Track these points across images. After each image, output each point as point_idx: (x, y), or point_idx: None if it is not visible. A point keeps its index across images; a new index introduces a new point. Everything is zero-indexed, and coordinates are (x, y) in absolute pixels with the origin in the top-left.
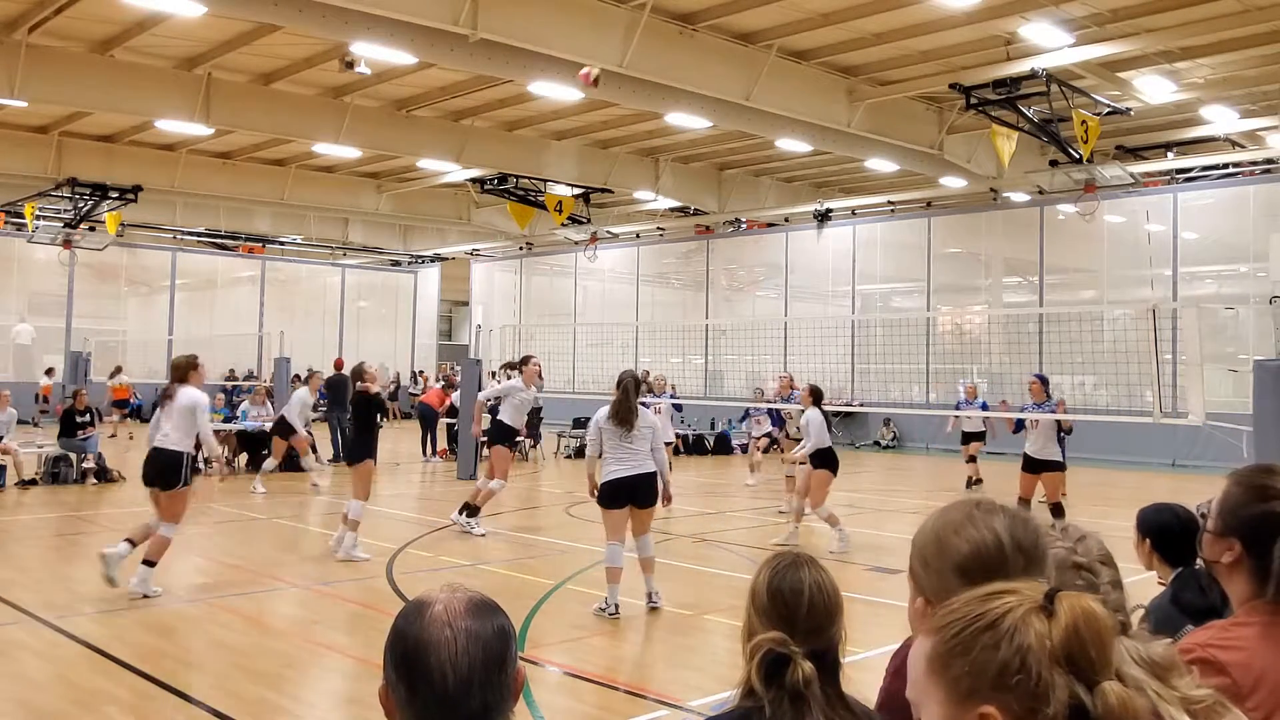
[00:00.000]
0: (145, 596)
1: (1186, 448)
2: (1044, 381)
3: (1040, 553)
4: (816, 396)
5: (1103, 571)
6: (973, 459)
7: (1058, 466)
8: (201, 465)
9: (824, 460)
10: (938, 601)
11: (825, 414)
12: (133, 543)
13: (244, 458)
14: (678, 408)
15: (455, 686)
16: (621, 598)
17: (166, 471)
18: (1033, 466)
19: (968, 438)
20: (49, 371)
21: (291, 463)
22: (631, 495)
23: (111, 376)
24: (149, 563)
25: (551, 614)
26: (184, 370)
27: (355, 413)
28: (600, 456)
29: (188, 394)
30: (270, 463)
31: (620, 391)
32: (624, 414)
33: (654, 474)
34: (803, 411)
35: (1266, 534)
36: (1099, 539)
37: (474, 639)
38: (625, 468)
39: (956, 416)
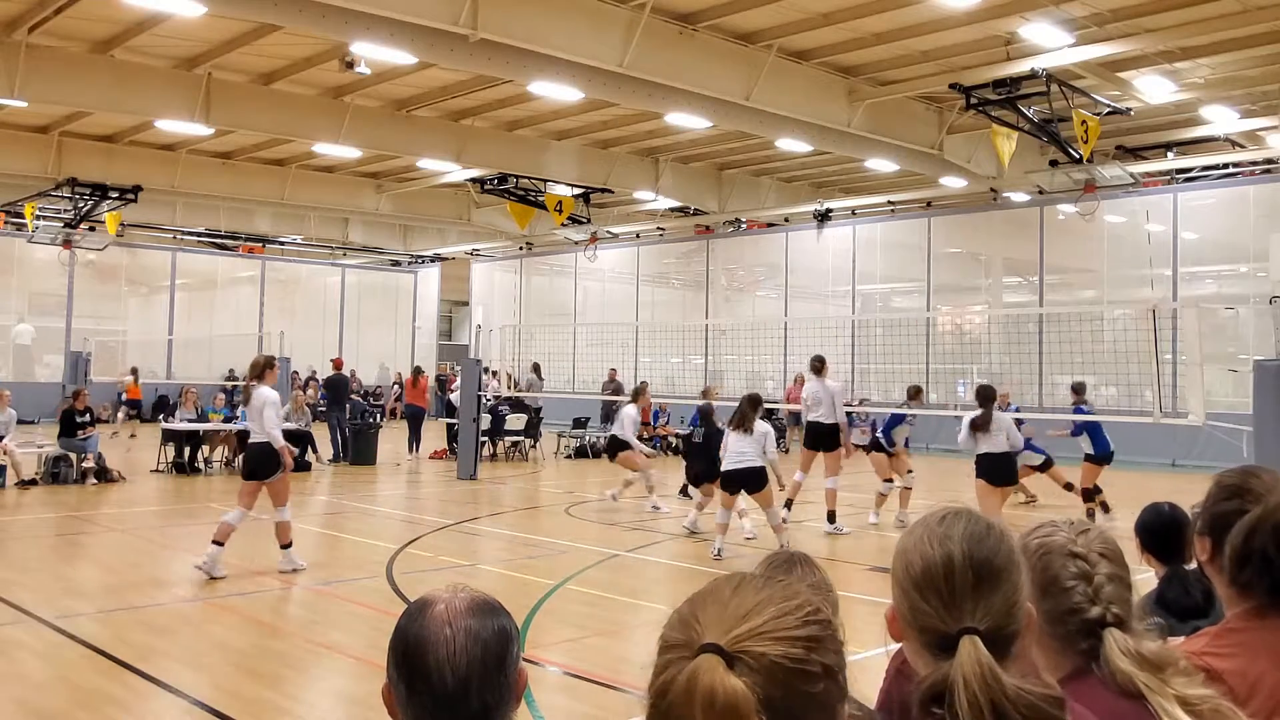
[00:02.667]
0: (292, 571)
1: (1186, 448)
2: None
3: (994, 568)
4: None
5: (1100, 564)
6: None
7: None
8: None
9: (981, 468)
10: (901, 612)
11: (1010, 418)
12: (219, 544)
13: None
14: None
15: (453, 685)
16: (621, 597)
17: (265, 463)
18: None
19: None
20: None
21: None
22: (742, 483)
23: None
24: (286, 545)
25: (551, 614)
26: (260, 369)
27: (712, 441)
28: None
29: (260, 394)
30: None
31: (738, 408)
32: (741, 422)
33: (760, 468)
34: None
35: (1228, 529)
36: (1105, 534)
37: (473, 638)
38: (732, 462)
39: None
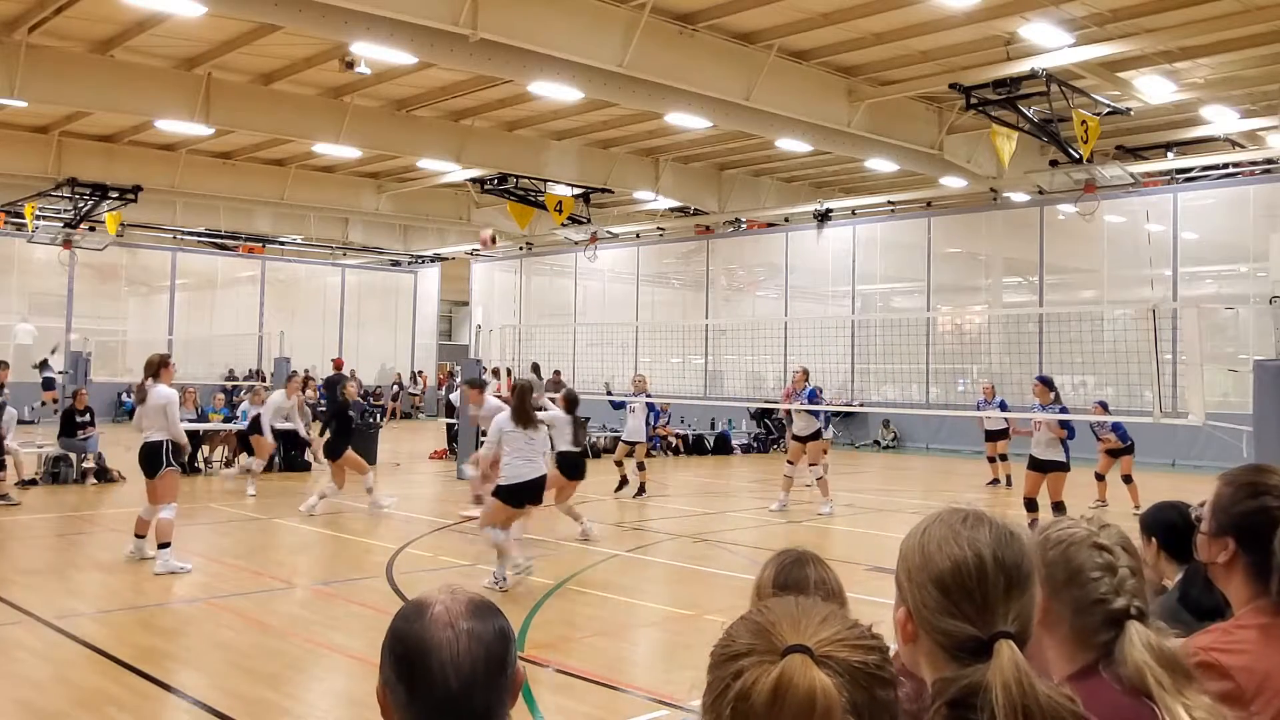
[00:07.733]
0: (174, 573)
1: (1186, 448)
2: (1047, 383)
3: (1023, 573)
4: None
5: (1121, 556)
6: (996, 458)
7: (1061, 467)
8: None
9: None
10: (918, 613)
11: None
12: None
13: (244, 457)
14: (653, 408)
15: (458, 687)
16: (621, 597)
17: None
18: (1039, 466)
19: (991, 435)
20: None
21: (290, 462)
22: (535, 495)
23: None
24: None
25: (551, 614)
26: (155, 367)
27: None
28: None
29: (157, 392)
30: (255, 463)
31: (516, 396)
32: (525, 417)
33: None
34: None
35: (1261, 530)
36: (1122, 531)
37: (476, 640)
38: (533, 469)
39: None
